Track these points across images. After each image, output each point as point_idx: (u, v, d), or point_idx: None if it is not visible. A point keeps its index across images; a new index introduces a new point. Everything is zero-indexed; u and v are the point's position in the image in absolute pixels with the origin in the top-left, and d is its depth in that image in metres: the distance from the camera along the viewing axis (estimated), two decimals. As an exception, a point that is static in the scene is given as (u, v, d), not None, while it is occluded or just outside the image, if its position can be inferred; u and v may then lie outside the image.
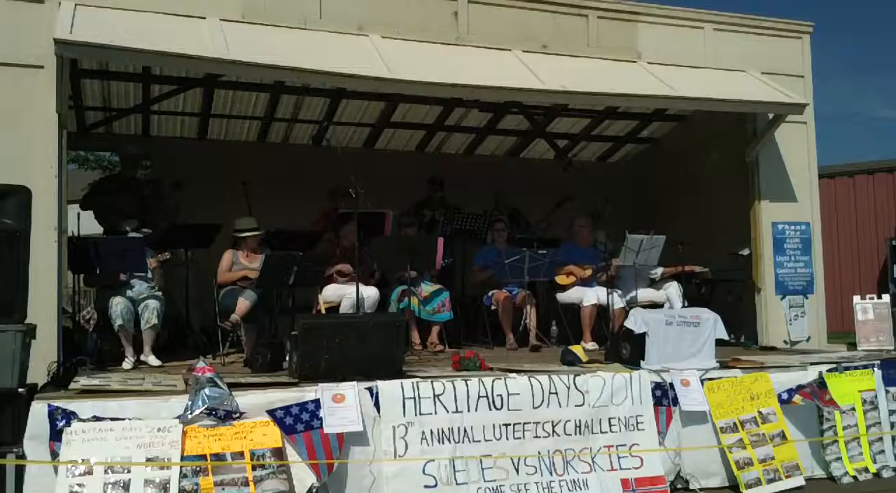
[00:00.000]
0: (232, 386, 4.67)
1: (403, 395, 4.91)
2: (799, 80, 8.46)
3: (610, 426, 5.33)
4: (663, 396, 5.52)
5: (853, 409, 6.05)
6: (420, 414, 4.91)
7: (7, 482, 4.20)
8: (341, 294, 7.02)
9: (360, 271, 6.77)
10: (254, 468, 4.40)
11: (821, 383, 5.95)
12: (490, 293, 7.79)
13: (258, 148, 9.70)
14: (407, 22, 7.15)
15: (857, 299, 8.13)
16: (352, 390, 4.80)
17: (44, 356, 5.21)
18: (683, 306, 7.39)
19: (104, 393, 4.64)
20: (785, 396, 5.85)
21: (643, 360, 5.71)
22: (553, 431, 5.19)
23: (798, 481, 5.60)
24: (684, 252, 7.77)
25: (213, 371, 4.65)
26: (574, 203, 9.12)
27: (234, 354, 6.76)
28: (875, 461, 6.00)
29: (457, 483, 4.85)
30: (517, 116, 9.53)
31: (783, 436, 5.69)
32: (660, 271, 7.90)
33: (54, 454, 4.23)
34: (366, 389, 4.87)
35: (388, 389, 4.91)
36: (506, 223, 8.33)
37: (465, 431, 4.99)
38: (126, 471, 4.13)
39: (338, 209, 7.73)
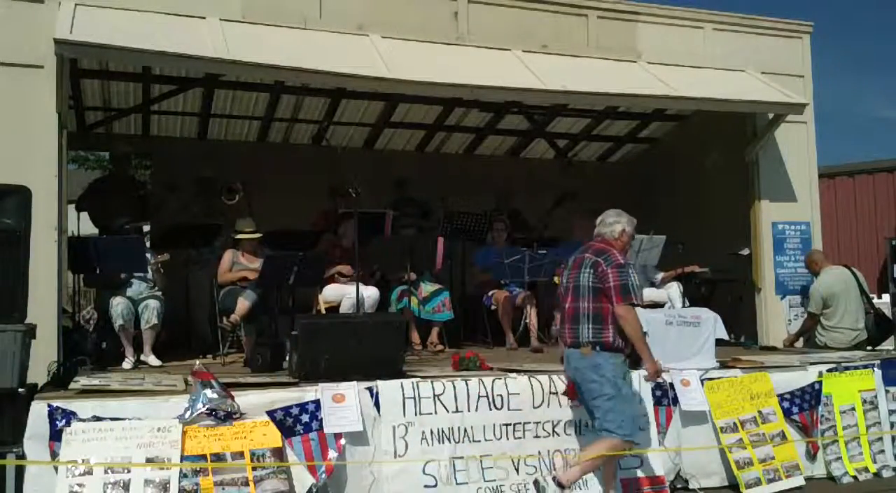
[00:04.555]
0: (232, 386, 4.67)
1: (403, 395, 4.92)
2: (799, 80, 8.47)
3: (610, 425, 5.32)
4: (663, 396, 5.52)
5: (853, 409, 6.06)
6: (420, 414, 4.91)
7: (7, 482, 4.20)
8: (341, 294, 7.01)
9: (360, 271, 6.77)
10: (254, 469, 4.40)
11: (817, 398, 5.96)
12: (490, 293, 7.77)
13: (258, 148, 9.69)
14: (407, 22, 7.15)
15: (857, 298, 8.12)
16: (352, 390, 4.80)
17: (44, 356, 5.20)
18: (684, 306, 7.38)
19: (104, 393, 4.64)
20: (786, 405, 5.84)
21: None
22: (553, 431, 5.19)
23: (798, 481, 5.60)
24: (684, 252, 7.76)
25: (212, 378, 4.58)
26: (573, 203, 9.10)
27: (234, 354, 6.76)
28: (875, 461, 6.01)
29: (457, 483, 4.86)
30: (517, 116, 9.52)
31: (783, 436, 5.69)
32: (659, 276, 7.90)
33: (54, 454, 4.23)
34: (366, 389, 4.87)
35: (388, 389, 4.91)
36: (506, 223, 8.31)
37: (465, 431, 4.99)
38: (126, 471, 4.13)
39: (338, 209, 7.72)
